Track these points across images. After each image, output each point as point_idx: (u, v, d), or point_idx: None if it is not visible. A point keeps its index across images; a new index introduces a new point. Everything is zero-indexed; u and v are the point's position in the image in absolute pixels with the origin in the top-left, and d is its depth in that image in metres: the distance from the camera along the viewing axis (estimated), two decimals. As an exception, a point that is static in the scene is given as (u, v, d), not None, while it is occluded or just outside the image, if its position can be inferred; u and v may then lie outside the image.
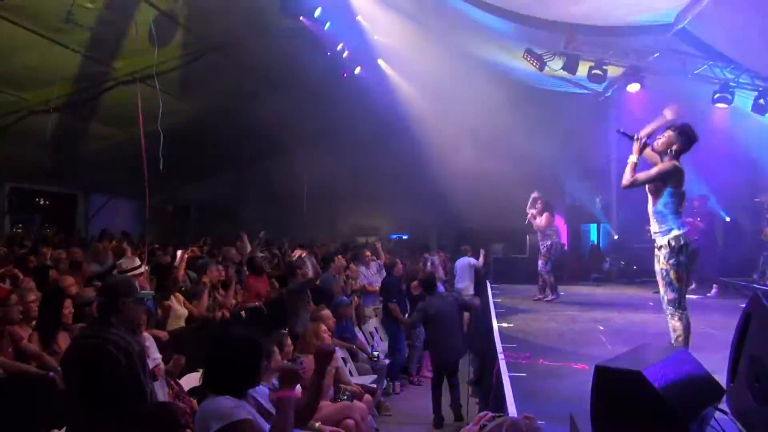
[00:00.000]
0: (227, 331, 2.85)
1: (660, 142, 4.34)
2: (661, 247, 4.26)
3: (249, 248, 9.30)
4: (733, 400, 3.04)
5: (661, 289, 4.32)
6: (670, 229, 4.21)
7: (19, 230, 13.72)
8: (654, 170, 4.28)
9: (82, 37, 8.38)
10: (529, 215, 9.34)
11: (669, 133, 4.32)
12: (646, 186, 4.36)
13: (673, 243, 4.17)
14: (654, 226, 4.34)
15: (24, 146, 8.94)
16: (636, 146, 4.37)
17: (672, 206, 4.23)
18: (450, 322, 6.71)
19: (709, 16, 7.64)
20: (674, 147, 4.27)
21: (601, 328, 6.82)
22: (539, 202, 9.25)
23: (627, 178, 4.30)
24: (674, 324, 4.22)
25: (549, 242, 9.11)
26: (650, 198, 4.36)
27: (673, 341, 4.25)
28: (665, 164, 4.27)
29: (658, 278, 4.32)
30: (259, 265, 8.02)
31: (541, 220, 9.20)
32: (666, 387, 2.51)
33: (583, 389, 3.49)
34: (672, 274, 4.19)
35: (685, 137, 4.28)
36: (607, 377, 2.64)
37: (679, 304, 4.22)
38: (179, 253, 7.19)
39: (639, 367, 2.55)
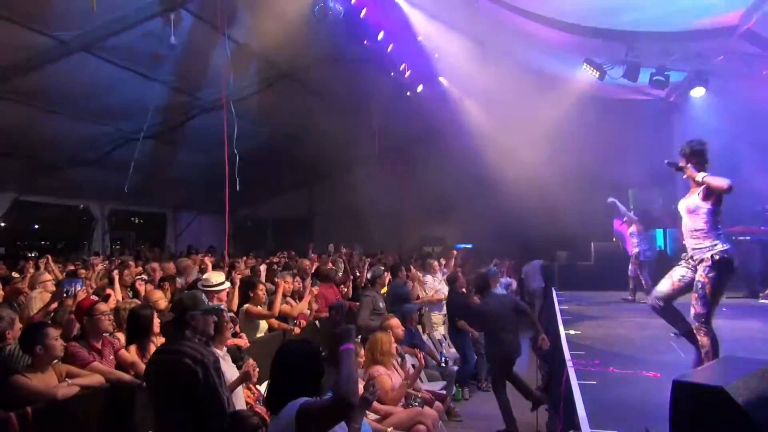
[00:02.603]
0: (289, 345, 2.90)
1: (690, 171, 4.08)
2: (702, 260, 3.99)
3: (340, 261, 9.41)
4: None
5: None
6: (715, 245, 3.95)
7: (117, 246, 14.54)
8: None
9: (169, 71, 8.82)
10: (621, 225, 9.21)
11: (684, 162, 4.09)
12: (685, 207, 4.16)
13: (717, 257, 3.91)
14: (693, 243, 4.09)
15: (120, 171, 9.49)
16: (689, 172, 4.09)
17: (712, 223, 4.00)
18: (503, 319, 6.57)
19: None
20: (705, 166, 4.06)
21: (672, 334, 6.39)
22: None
23: (722, 181, 3.88)
24: (702, 340, 3.96)
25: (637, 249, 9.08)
26: (687, 217, 4.12)
27: (702, 356, 4.03)
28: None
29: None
30: (325, 274, 8.00)
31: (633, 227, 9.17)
32: (751, 403, 2.29)
33: (657, 398, 3.27)
34: (707, 288, 3.91)
35: (698, 154, 4.06)
36: (686, 393, 2.43)
37: (707, 320, 3.95)
38: (263, 268, 7.27)
39: (720, 383, 2.33)
